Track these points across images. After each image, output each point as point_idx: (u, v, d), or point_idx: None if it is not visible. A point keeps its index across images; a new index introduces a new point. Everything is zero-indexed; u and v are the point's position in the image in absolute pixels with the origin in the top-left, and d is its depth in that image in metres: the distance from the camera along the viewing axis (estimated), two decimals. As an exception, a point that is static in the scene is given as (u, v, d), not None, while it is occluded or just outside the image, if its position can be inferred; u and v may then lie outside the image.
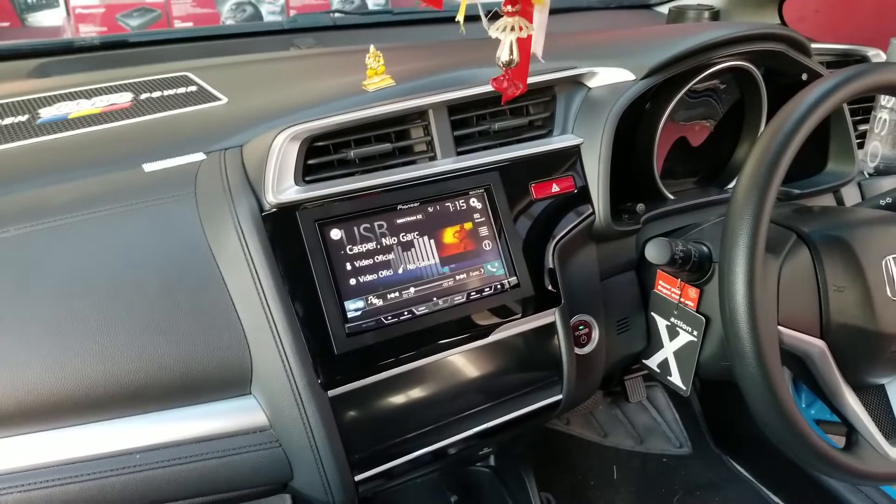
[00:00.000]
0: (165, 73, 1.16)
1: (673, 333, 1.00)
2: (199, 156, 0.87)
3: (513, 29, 0.65)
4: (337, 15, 1.56)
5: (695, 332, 0.95)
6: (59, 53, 1.32)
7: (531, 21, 0.67)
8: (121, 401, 0.74)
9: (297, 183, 0.81)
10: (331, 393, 0.78)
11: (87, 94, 1.07)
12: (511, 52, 0.67)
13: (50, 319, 0.73)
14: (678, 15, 1.55)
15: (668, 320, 0.99)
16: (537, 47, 0.72)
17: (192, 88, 1.09)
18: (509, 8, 0.65)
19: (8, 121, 0.98)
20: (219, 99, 1.04)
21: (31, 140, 0.92)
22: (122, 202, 0.79)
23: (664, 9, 1.75)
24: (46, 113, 1.00)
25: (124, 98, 1.05)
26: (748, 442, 1.54)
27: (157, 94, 1.07)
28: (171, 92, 1.07)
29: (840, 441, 0.91)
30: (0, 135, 0.93)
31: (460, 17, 0.66)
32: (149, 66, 1.22)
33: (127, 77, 1.15)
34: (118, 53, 1.34)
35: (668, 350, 1.01)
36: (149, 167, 0.85)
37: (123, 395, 0.74)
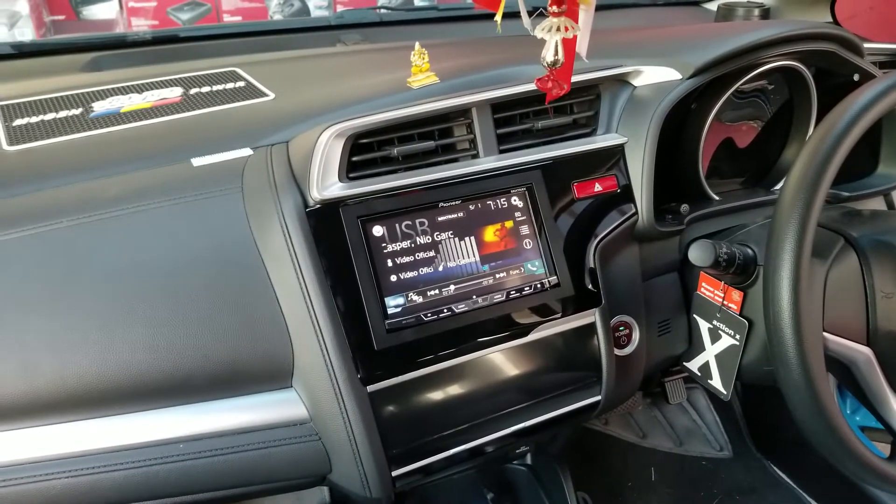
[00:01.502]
0: (214, 69, 1.18)
1: (715, 336, 0.98)
2: (246, 151, 0.88)
3: (558, 29, 0.65)
4: (383, 11, 1.57)
5: (737, 336, 0.94)
6: (112, 48, 1.35)
7: (577, 21, 0.67)
8: (166, 390, 0.76)
9: (341, 179, 0.82)
10: (370, 388, 0.79)
11: (139, 89, 1.10)
12: (556, 53, 0.66)
13: (99, 310, 0.75)
14: (727, 12, 1.53)
15: (711, 323, 0.98)
16: (582, 47, 0.71)
17: (240, 84, 1.10)
18: (555, 8, 0.65)
19: (63, 114, 1.00)
20: (266, 94, 1.05)
21: (85, 133, 0.94)
22: (171, 196, 0.81)
23: (713, 6, 1.72)
24: (99, 107, 1.03)
25: (174, 93, 1.07)
26: (789, 446, 1.52)
27: (206, 88, 1.09)
28: (219, 87, 1.09)
29: (886, 449, 0.89)
30: (55, 128, 0.96)
31: (498, 18, 0.66)
32: (198, 61, 1.24)
33: (177, 72, 1.17)
34: (169, 48, 1.36)
35: (710, 353, 1.00)
36: (197, 161, 0.86)
37: (169, 385, 0.76)
